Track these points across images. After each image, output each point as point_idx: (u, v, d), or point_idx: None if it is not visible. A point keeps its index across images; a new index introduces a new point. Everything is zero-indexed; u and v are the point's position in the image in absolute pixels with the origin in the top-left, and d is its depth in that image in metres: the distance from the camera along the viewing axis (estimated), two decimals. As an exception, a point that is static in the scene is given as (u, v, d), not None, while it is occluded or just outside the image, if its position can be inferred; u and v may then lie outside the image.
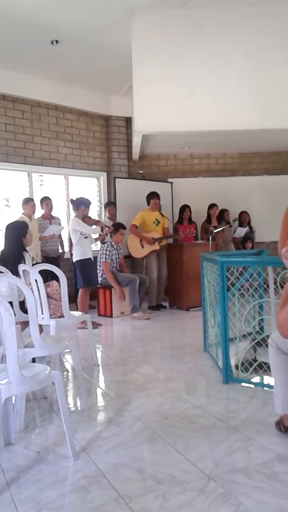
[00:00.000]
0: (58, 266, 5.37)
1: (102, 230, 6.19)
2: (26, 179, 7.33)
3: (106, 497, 1.90)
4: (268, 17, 5.59)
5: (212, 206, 7.98)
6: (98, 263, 6.36)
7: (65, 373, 3.82)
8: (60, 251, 6.85)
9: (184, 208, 7.62)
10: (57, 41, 5.99)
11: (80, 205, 5.81)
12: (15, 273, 3.74)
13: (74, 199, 5.99)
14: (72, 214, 6.03)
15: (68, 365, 4.06)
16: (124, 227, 6.48)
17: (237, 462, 2.17)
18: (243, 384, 3.28)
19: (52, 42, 6.00)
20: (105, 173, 8.26)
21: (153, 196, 6.82)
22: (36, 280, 3.41)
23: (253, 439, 2.39)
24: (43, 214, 6.70)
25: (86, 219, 5.85)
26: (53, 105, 7.51)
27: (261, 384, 3.22)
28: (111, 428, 2.63)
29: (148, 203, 6.84)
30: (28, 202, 6.29)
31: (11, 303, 3.46)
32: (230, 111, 5.64)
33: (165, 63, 5.64)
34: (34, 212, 6.40)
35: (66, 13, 5.33)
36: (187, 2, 5.36)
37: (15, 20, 5.38)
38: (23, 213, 6.24)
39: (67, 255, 6.83)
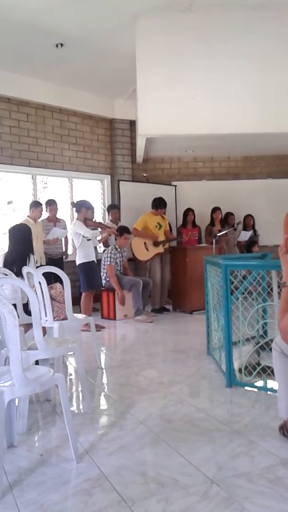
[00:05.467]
0: (62, 268, 5.39)
1: (105, 229, 6.20)
2: (30, 182, 7.35)
3: (109, 500, 1.90)
4: (271, 21, 5.60)
5: (215, 209, 7.97)
6: (102, 266, 6.36)
7: (68, 375, 3.82)
8: (64, 251, 6.86)
9: (188, 211, 7.62)
10: (61, 44, 6.02)
11: (81, 207, 5.81)
12: (20, 275, 3.76)
13: (75, 202, 6.00)
14: (75, 217, 6.04)
15: (71, 368, 4.06)
16: (128, 231, 6.48)
17: (241, 466, 2.16)
18: (246, 388, 3.27)
19: (56, 46, 6.03)
20: (109, 176, 8.28)
21: (161, 205, 6.77)
22: (39, 283, 3.41)
23: (257, 443, 2.38)
24: (48, 217, 6.71)
25: (88, 222, 5.86)
26: (58, 108, 7.54)
27: (264, 388, 3.21)
28: (114, 431, 2.62)
29: (154, 208, 6.81)
30: (38, 206, 6.30)
31: (14, 305, 3.47)
32: (234, 114, 5.64)
33: (169, 66, 5.65)
34: (40, 217, 6.42)
35: (71, 16, 5.36)
36: (191, 6, 5.37)
37: (20, 23, 5.41)
38: (28, 216, 6.25)
39: (70, 257, 6.83)
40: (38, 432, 2.68)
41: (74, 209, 6.01)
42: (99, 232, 6.02)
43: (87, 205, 5.90)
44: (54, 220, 6.74)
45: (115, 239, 6.45)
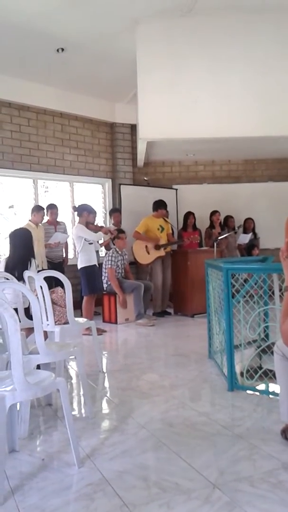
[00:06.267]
0: (63, 272, 5.40)
1: (106, 233, 6.21)
2: (31, 186, 7.37)
3: (111, 505, 1.90)
4: (271, 25, 5.62)
5: (214, 212, 7.98)
6: (104, 270, 6.36)
7: (69, 379, 3.82)
8: (64, 255, 6.87)
9: (188, 215, 7.62)
10: (62, 49, 6.04)
11: (83, 211, 5.82)
12: (21, 279, 3.76)
13: (76, 206, 6.02)
14: (77, 221, 6.06)
15: (72, 372, 4.05)
16: (123, 231, 6.50)
17: (242, 470, 2.15)
18: (248, 391, 3.26)
19: (57, 50, 6.06)
20: (110, 180, 8.30)
21: (160, 206, 6.80)
22: (41, 287, 3.41)
23: (258, 448, 2.37)
24: (48, 220, 6.72)
25: (90, 225, 5.87)
26: (58, 113, 7.57)
27: (266, 392, 3.20)
28: (116, 435, 2.62)
29: (154, 209, 6.84)
30: (40, 210, 6.32)
31: (16, 309, 3.47)
32: (234, 118, 5.65)
33: (169, 70, 5.66)
34: (42, 221, 6.43)
35: (72, 21, 5.38)
36: (191, 11, 5.39)
37: (21, 28, 5.44)
38: (30, 220, 6.26)
39: (72, 261, 6.84)
40: (40, 437, 2.67)
41: (76, 213, 6.01)
42: (102, 235, 6.02)
43: (89, 209, 5.91)
44: (54, 223, 6.75)
45: (113, 243, 6.46)
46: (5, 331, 2.46)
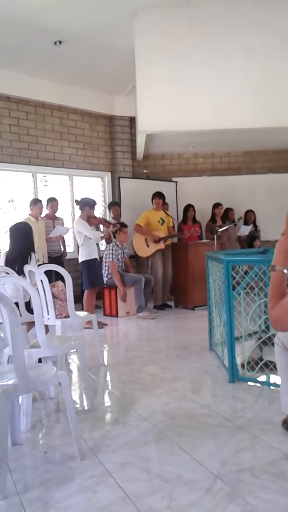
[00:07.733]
0: (63, 266, 5.40)
1: (108, 233, 6.20)
2: (30, 180, 7.35)
3: (113, 497, 1.91)
4: (271, 15, 5.57)
5: (216, 205, 7.96)
6: (104, 263, 6.36)
7: (71, 373, 3.83)
8: (62, 249, 6.85)
9: (188, 207, 7.61)
10: (60, 42, 6.00)
11: (85, 206, 5.80)
12: (21, 273, 3.76)
13: (79, 199, 5.99)
14: (77, 215, 6.04)
15: (74, 365, 4.07)
16: (125, 225, 6.49)
17: (244, 461, 2.16)
18: (249, 383, 3.27)
19: (55, 43, 6.01)
20: (110, 173, 8.27)
21: (155, 196, 6.82)
22: (41, 281, 3.42)
23: (260, 438, 2.38)
24: (46, 214, 6.70)
25: (92, 219, 5.85)
26: (57, 106, 7.53)
27: (267, 383, 3.21)
28: (118, 428, 2.63)
29: (152, 202, 6.85)
30: (37, 203, 6.30)
31: (17, 303, 3.48)
32: (234, 109, 5.62)
33: (168, 62, 5.63)
34: (41, 214, 6.41)
35: (69, 13, 5.34)
36: (190, 1, 5.34)
37: (18, 21, 5.39)
38: (30, 214, 6.25)
39: (72, 255, 6.83)
40: (42, 430, 2.69)
41: (78, 206, 6.00)
42: (100, 237, 6.02)
43: (91, 203, 5.88)
44: (52, 218, 6.73)
45: (114, 236, 6.46)
46: (6, 325, 2.47)
